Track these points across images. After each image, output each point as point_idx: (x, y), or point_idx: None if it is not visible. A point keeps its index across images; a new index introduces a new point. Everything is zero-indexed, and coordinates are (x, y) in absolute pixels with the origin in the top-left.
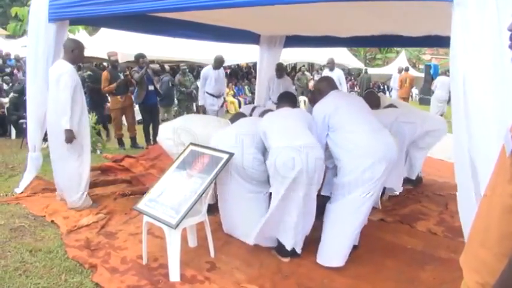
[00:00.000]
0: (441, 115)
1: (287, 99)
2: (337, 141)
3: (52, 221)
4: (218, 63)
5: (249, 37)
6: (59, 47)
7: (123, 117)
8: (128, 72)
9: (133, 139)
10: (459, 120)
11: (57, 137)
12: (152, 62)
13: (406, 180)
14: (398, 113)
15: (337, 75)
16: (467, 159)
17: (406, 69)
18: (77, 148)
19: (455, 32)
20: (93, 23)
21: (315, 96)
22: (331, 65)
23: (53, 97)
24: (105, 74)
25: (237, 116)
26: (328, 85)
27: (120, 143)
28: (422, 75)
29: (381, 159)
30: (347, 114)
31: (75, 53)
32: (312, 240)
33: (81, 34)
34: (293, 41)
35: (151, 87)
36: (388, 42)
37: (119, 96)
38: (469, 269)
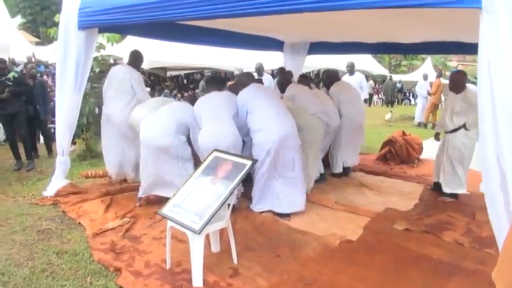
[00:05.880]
0: None
1: (215, 83)
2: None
3: (79, 223)
4: (259, 71)
5: (272, 44)
6: (88, 55)
7: None
8: None
9: None
10: (487, 130)
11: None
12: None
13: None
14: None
15: (358, 79)
16: (497, 171)
17: (439, 75)
18: None
19: (483, 38)
20: (122, 30)
21: (237, 88)
22: (351, 68)
23: (118, 95)
24: None
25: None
26: (247, 78)
27: None
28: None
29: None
30: (261, 101)
31: (134, 60)
32: (333, 249)
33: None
34: (317, 47)
35: None
36: (415, 49)
37: None
38: (501, 284)
